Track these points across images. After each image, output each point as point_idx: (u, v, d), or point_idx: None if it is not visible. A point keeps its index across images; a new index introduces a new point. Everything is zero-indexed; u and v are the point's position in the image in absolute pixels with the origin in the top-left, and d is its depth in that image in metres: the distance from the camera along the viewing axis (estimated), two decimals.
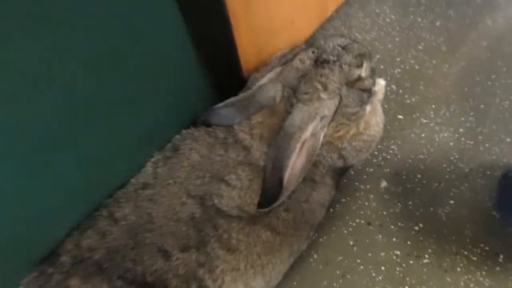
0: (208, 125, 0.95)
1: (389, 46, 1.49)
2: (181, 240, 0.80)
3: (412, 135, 1.24)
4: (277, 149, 0.84)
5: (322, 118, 0.88)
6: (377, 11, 1.61)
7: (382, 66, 1.41)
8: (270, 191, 0.83)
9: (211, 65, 0.98)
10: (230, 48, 1.03)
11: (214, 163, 0.88)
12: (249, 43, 1.11)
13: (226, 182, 0.87)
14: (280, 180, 0.81)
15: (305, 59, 0.93)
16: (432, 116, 1.28)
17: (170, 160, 0.90)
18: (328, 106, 0.89)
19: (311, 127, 0.86)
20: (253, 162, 0.89)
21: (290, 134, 0.84)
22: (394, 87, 1.36)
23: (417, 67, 1.41)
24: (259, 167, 0.88)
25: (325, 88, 0.89)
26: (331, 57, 0.91)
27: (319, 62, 0.91)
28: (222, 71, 1.04)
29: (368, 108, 0.99)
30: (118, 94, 0.77)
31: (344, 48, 0.94)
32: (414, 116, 1.28)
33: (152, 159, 0.92)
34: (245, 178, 0.87)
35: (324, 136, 0.91)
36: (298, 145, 0.83)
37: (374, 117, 1.01)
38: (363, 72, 0.95)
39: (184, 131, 0.95)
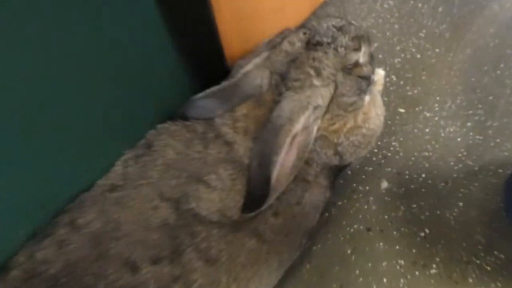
0: (186, 118, 0.91)
1: (388, 34, 1.46)
2: (152, 250, 0.76)
3: (415, 130, 1.21)
4: (263, 144, 0.80)
5: (315, 108, 0.84)
6: None
7: (380, 56, 1.38)
8: (256, 193, 0.80)
9: (191, 54, 0.95)
10: (211, 35, 1.00)
11: (192, 161, 0.84)
12: (234, 29, 1.08)
13: (206, 183, 0.83)
14: (268, 180, 0.78)
15: (295, 41, 0.89)
16: (436, 109, 1.26)
17: (142, 158, 0.86)
18: (322, 94, 0.85)
19: (303, 119, 0.82)
20: (237, 160, 0.85)
21: (278, 126, 0.80)
22: (394, 77, 1.33)
23: (418, 56, 1.38)
24: (243, 165, 0.84)
25: (318, 74, 0.85)
26: (325, 39, 0.87)
27: (311, 45, 0.87)
28: (203, 60, 1.00)
29: (367, 98, 0.95)
30: (80, 84, 0.73)
31: (339, 29, 0.89)
32: (416, 109, 1.25)
33: (122, 158, 0.88)
34: (227, 177, 0.83)
35: (318, 130, 0.87)
36: (288, 140, 0.79)
37: (374, 109, 0.97)
38: (361, 57, 0.91)
39: (159, 125, 0.92)
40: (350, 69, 0.89)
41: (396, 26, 1.47)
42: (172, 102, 0.94)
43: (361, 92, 0.92)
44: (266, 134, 0.81)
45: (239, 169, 0.84)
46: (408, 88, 1.30)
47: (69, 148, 0.79)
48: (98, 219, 0.78)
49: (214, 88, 0.91)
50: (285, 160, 0.80)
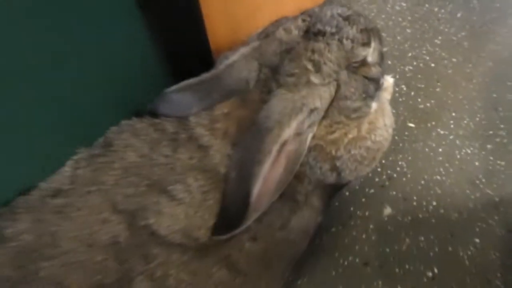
0: (156, 115, 0.86)
1: (399, 38, 1.44)
2: (94, 275, 0.69)
3: (426, 149, 1.16)
4: (245, 151, 0.74)
5: (311, 111, 0.76)
6: None
7: (390, 62, 1.36)
8: (231, 211, 0.73)
9: (168, 40, 0.94)
10: (195, 26, 0.98)
11: (156, 167, 0.79)
12: (222, 20, 1.07)
13: (170, 194, 0.76)
14: (247, 196, 0.71)
15: (292, 29, 0.81)
16: (451, 126, 1.22)
17: (97, 159, 0.81)
18: (320, 95, 0.78)
19: (295, 123, 0.74)
20: (211, 168, 0.78)
21: (264, 130, 0.73)
22: (404, 87, 1.30)
23: (433, 65, 1.35)
24: (218, 175, 0.77)
25: (318, 69, 0.77)
26: (328, 28, 0.79)
27: (312, 34, 0.79)
28: (184, 54, 0.98)
29: (373, 105, 0.87)
30: (27, 67, 0.72)
31: (346, 19, 0.82)
32: (429, 125, 1.21)
33: (75, 157, 0.83)
34: (197, 189, 0.77)
35: (313, 138, 0.79)
36: (275, 147, 0.72)
37: (382, 118, 0.89)
38: (370, 54, 0.84)
39: (123, 122, 0.87)
40: (356, 67, 0.81)
41: (408, 31, 1.46)
42: (143, 96, 0.89)
43: (368, 96, 0.84)
44: (249, 139, 0.74)
45: (213, 180, 0.78)
46: (419, 100, 1.26)
47: (11, 144, 0.77)
48: (31, 231, 0.73)
49: (191, 81, 0.84)
50: (270, 173, 0.72)
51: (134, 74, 0.93)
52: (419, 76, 1.31)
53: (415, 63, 1.35)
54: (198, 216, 0.76)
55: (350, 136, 0.84)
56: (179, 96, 0.85)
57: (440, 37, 1.41)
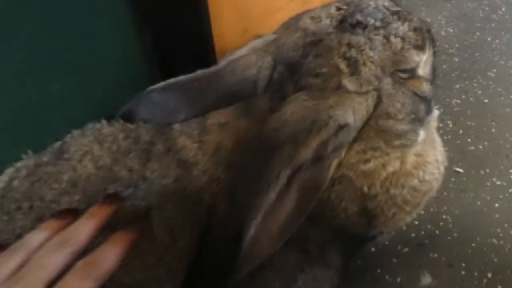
0: (132, 120, 0.79)
1: (444, 67, 1.36)
2: None
3: (478, 203, 1.04)
4: (242, 174, 0.62)
5: (340, 128, 0.63)
6: (428, 20, 1.53)
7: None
8: (215, 258, 0.62)
9: (160, 39, 0.91)
10: (197, 22, 0.94)
11: (114, 183, 0.70)
12: (233, 18, 1.03)
13: None
14: (239, 238, 0.58)
15: (322, 17, 0.69)
16: (511, 176, 1.10)
17: (43, 168, 0.74)
18: (354, 107, 0.65)
19: (316, 143, 0.61)
20: (191, 194, 0.69)
21: (272, 148, 0.61)
22: (450, 123, 1.20)
23: (486, 100, 1.26)
24: (200, 205, 0.68)
25: (354, 71, 0.65)
26: (371, 20, 0.68)
27: (348, 25, 0.67)
28: (180, 49, 0.94)
29: (422, 133, 0.74)
30: None
31: (395, 13, 0.71)
32: (481, 172, 1.10)
33: (18, 164, 0.76)
34: (164, 224, 0.67)
35: (339, 166, 0.67)
36: (285, 173, 0.59)
37: (433, 151, 0.76)
38: (423, 65, 0.71)
39: (89, 125, 0.81)
40: (404, 78, 0.69)
41: (456, 59, 1.39)
42: (121, 96, 0.83)
43: (417, 119, 0.71)
44: (249, 158, 0.63)
45: (190, 212, 0.68)
46: (469, 140, 1.16)
47: None
48: None
49: (181, 78, 0.75)
50: (274, 209, 0.60)
51: (111, 66, 0.89)
52: (469, 112, 1.22)
53: (463, 96, 1.26)
54: (160, 267, 0.65)
55: (390, 169, 0.71)
56: (165, 97, 0.76)
57: (494, 70, 1.33)
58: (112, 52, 0.89)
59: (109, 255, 0.53)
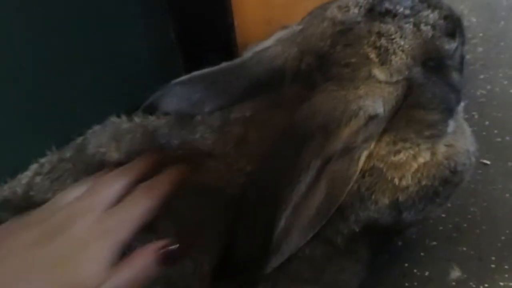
0: (154, 113, 0.78)
1: (468, 57, 1.29)
2: None
3: (507, 195, 1.00)
4: (271, 165, 0.61)
5: (370, 119, 0.62)
6: None
7: None
8: (244, 249, 0.61)
9: (184, 31, 0.92)
10: (220, 13, 0.93)
11: None
12: (256, 7, 1.01)
13: None
14: (269, 229, 0.58)
15: (350, 6, 0.68)
16: None
17: (64, 164, 0.75)
18: (384, 97, 0.63)
19: (346, 133, 0.61)
20: (207, 187, 0.68)
21: (302, 137, 0.60)
22: (475, 115, 1.16)
23: (511, 91, 1.22)
24: (222, 197, 0.67)
25: (384, 61, 0.64)
26: (400, 8, 0.67)
27: (377, 14, 0.67)
28: (204, 45, 0.95)
29: (452, 124, 0.73)
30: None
31: (425, 1, 0.70)
32: (509, 164, 1.05)
33: (42, 160, 0.77)
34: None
35: (369, 157, 0.66)
36: (316, 163, 0.59)
37: (463, 141, 0.75)
38: (453, 53, 0.71)
39: (110, 119, 0.80)
40: (434, 67, 0.68)
41: (480, 49, 1.35)
42: (143, 90, 0.82)
43: (448, 109, 0.70)
44: (280, 148, 0.62)
45: (211, 204, 0.67)
46: (496, 132, 1.11)
47: None
48: None
49: (205, 71, 0.74)
50: (304, 200, 0.60)
51: (134, 61, 0.90)
52: (494, 103, 1.18)
53: (489, 87, 1.22)
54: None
55: (421, 160, 0.69)
56: (189, 89, 0.74)
57: None
58: (137, 45, 0.89)
59: (165, 181, 0.62)
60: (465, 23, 1.37)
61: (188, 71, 0.79)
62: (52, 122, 0.85)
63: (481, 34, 1.38)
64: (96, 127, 0.80)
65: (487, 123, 1.15)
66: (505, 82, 1.24)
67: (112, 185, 0.60)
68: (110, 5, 0.82)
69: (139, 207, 0.58)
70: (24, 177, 0.75)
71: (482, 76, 1.26)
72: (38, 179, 0.73)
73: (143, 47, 0.91)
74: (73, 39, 0.80)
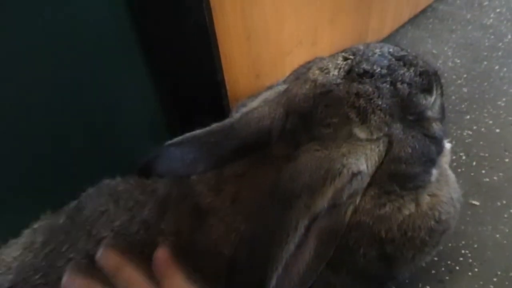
0: (149, 175, 0.77)
1: (453, 98, 1.34)
2: None
3: (497, 235, 0.99)
4: (261, 225, 0.61)
5: (353, 176, 0.64)
6: (435, 51, 1.52)
7: None
8: None
9: (177, 88, 0.92)
10: (209, 64, 0.92)
11: (131, 242, 0.68)
12: (245, 64, 1.02)
13: None
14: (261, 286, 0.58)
15: (330, 68, 0.71)
16: None
17: (57, 233, 0.73)
18: (366, 154, 0.66)
19: (331, 191, 0.62)
20: (206, 248, 0.68)
21: (289, 198, 0.61)
22: (463, 155, 1.17)
23: (497, 130, 1.23)
24: (220, 257, 0.66)
25: (364, 120, 0.66)
26: (377, 68, 0.69)
27: (356, 75, 0.69)
28: (194, 99, 0.96)
29: (435, 172, 0.74)
30: None
31: (400, 59, 0.72)
32: (498, 203, 1.05)
33: (35, 225, 0.76)
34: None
35: (355, 212, 0.67)
36: (303, 223, 0.60)
37: (447, 189, 0.75)
38: (432, 106, 0.73)
39: (104, 181, 0.80)
40: (413, 121, 0.70)
41: (465, 90, 1.37)
42: (136, 151, 0.83)
43: (428, 160, 0.71)
44: (267, 209, 0.62)
45: (210, 264, 0.65)
46: (483, 172, 1.12)
47: None
48: None
49: (197, 132, 0.75)
50: (294, 258, 0.61)
51: (126, 121, 0.90)
52: (481, 143, 1.18)
53: (475, 127, 1.23)
54: None
55: (405, 212, 0.71)
56: (183, 150, 0.75)
57: (504, 99, 1.30)
58: (130, 106, 0.88)
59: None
60: (449, 64, 1.43)
61: (183, 130, 0.79)
62: (44, 185, 0.84)
63: (465, 75, 1.40)
64: (90, 190, 0.79)
65: (474, 163, 1.15)
66: (490, 122, 1.25)
67: None
68: (104, 69, 0.83)
69: None
70: (17, 244, 0.72)
71: (468, 117, 1.27)
72: (30, 255, 0.69)
73: (137, 108, 0.92)
74: (66, 102, 0.81)
